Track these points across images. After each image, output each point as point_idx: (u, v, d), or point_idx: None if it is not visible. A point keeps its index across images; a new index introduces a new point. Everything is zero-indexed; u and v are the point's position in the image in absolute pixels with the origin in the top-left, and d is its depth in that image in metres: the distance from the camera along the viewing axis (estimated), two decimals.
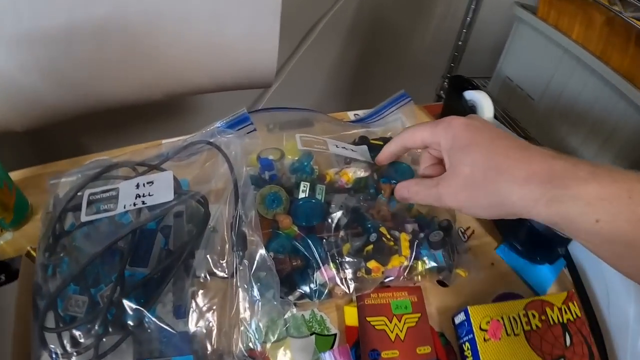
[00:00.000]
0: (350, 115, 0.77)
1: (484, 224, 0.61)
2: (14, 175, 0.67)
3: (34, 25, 0.62)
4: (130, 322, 0.41)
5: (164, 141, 0.70)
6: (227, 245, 0.45)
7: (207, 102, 1.09)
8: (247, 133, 0.54)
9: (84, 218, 0.47)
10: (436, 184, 0.42)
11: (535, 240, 0.55)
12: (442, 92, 1.09)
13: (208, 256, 0.45)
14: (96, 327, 0.41)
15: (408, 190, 0.45)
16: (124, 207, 0.46)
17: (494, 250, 0.58)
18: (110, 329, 0.41)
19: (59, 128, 0.82)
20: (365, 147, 0.60)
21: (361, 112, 0.77)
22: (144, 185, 0.48)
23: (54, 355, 0.41)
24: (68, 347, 0.41)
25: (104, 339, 0.41)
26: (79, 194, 0.50)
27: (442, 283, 0.52)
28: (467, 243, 0.58)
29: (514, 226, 0.57)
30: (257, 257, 0.45)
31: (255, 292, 0.44)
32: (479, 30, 1.05)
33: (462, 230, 0.59)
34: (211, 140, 0.51)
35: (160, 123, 1.13)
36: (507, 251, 0.58)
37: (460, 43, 1.03)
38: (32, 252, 0.53)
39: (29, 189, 0.64)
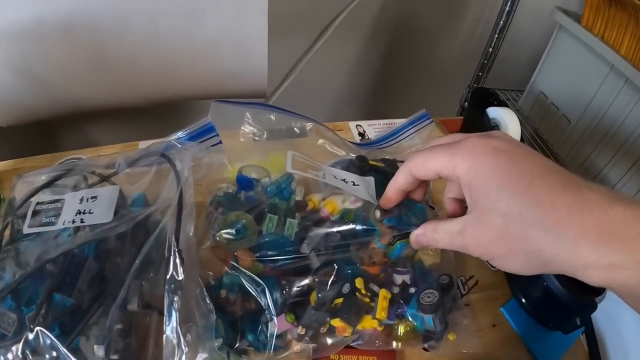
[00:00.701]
0: (352, 126, 0.68)
1: (492, 276, 0.51)
2: None
3: (1, 18, 0.58)
4: (48, 353, 0.36)
5: (140, 143, 0.63)
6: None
7: (206, 103, 1.01)
8: (212, 145, 0.46)
9: (26, 230, 0.43)
10: (461, 232, 0.33)
11: (551, 303, 0.45)
12: (466, 103, 0.98)
13: (141, 287, 0.39)
14: (19, 353, 0.37)
15: (426, 238, 0.37)
16: (63, 224, 0.42)
17: (498, 308, 0.48)
18: (30, 358, 0.37)
19: (54, 119, 0.78)
20: (372, 179, 0.48)
21: (365, 124, 0.68)
22: (87, 200, 0.44)
23: None
24: None
25: None
26: (30, 200, 0.46)
27: (425, 349, 0.43)
28: (466, 296, 0.48)
29: (527, 280, 0.48)
30: (193, 301, 0.37)
31: (184, 339, 0.36)
32: (514, 37, 0.94)
33: (464, 280, 0.50)
34: (166, 153, 0.44)
35: (153, 122, 1.07)
36: (514, 310, 0.48)
37: (490, 49, 0.91)
38: None
39: (4, 183, 0.61)
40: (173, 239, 0.38)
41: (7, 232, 0.45)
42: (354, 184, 0.47)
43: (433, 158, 0.35)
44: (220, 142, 0.46)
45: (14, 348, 0.37)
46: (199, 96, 0.74)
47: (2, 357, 0.37)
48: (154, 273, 0.40)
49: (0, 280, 0.41)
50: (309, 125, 0.57)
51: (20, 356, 0.37)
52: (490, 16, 1.07)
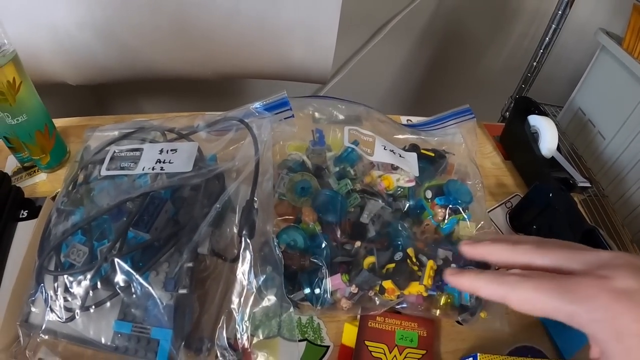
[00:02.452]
0: (403, 120, 0.71)
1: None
2: (61, 122, 0.68)
3: None
4: (119, 282, 0.40)
5: (207, 113, 0.67)
6: (235, 229, 0.42)
7: (266, 85, 1.06)
8: (285, 118, 0.50)
9: (103, 172, 0.47)
10: None
11: None
12: (507, 113, 1.00)
13: (212, 235, 0.42)
14: (87, 280, 0.40)
15: None
16: (143, 169, 0.45)
17: None
18: (99, 285, 0.40)
19: (113, 86, 0.82)
20: (414, 154, 0.53)
21: (415, 119, 0.71)
22: (167, 152, 0.47)
23: (44, 295, 0.41)
24: (59, 292, 0.41)
25: (90, 293, 0.40)
26: (106, 148, 0.50)
27: (459, 322, 0.46)
28: None
29: None
30: (265, 249, 0.41)
31: (254, 284, 0.40)
32: (558, 54, 0.96)
33: (497, 267, 0.53)
34: (244, 119, 0.48)
35: (214, 99, 1.12)
36: None
37: (535, 63, 0.93)
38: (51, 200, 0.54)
39: (71, 137, 0.66)
40: (251, 190, 0.42)
41: (81, 176, 0.48)
42: (400, 156, 0.52)
43: (540, 298, 0.30)
44: (293, 116, 0.50)
45: (83, 277, 0.40)
46: (264, 75, 0.77)
47: (71, 283, 0.41)
48: (224, 224, 0.43)
49: (73, 216, 0.44)
50: (366, 111, 0.60)
51: (90, 284, 0.40)
52: (537, 32, 1.09)
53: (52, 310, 0.41)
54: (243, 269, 0.40)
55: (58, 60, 0.72)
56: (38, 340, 0.41)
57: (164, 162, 0.46)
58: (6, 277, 0.46)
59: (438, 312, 0.44)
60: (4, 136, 0.59)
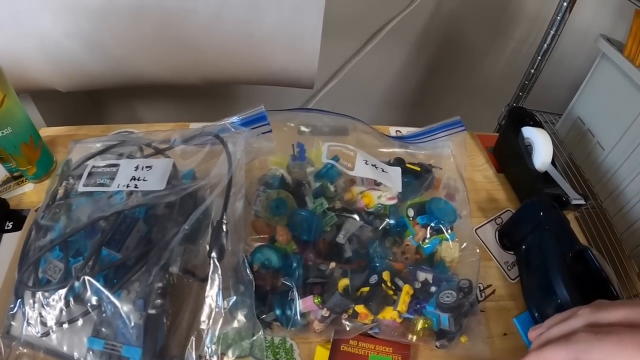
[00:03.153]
0: (392, 131, 0.70)
1: (509, 287, 0.53)
2: (49, 131, 0.69)
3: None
4: (90, 300, 0.40)
5: (191, 124, 0.67)
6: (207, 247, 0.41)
7: (258, 90, 1.05)
8: (262, 133, 0.49)
9: (81, 188, 0.47)
10: None
11: None
12: (504, 121, 0.98)
13: (184, 253, 0.42)
14: (61, 297, 0.41)
15: None
16: (118, 186, 0.45)
17: (511, 319, 0.50)
18: (72, 302, 0.41)
19: (105, 92, 0.82)
20: (399, 169, 0.52)
21: (404, 130, 0.70)
22: (142, 168, 0.47)
23: (22, 309, 0.42)
24: (36, 307, 0.42)
25: (64, 310, 0.41)
26: (85, 164, 0.51)
27: (440, 346, 0.45)
28: (482, 303, 0.50)
29: (541, 298, 0.49)
30: (237, 269, 0.41)
31: (222, 306, 0.39)
32: (558, 61, 0.93)
33: (481, 288, 0.51)
34: (220, 135, 0.47)
35: (207, 103, 1.11)
36: (527, 323, 0.49)
37: (532, 70, 0.91)
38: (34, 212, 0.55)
39: (58, 147, 0.66)
40: (221, 210, 0.41)
41: (61, 191, 0.49)
42: (383, 171, 0.51)
43: (624, 353, 0.29)
44: (270, 131, 0.49)
45: (57, 294, 0.41)
46: (251, 81, 0.77)
47: (46, 299, 0.41)
48: (198, 243, 0.43)
49: (51, 231, 0.45)
50: (351, 123, 0.59)
51: (63, 301, 0.40)
52: (536, 38, 1.06)
53: (29, 324, 0.41)
54: (212, 292, 0.40)
55: (47, 69, 0.72)
56: (17, 353, 0.42)
57: (138, 180, 0.45)
58: None
59: (415, 337, 0.42)
60: None
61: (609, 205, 0.76)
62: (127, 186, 0.45)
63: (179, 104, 1.09)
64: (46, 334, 0.41)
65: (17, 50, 0.67)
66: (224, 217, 0.41)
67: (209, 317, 0.40)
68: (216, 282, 0.40)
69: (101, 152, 0.51)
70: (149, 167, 0.46)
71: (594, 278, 0.48)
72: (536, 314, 0.49)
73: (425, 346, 0.44)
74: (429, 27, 1.06)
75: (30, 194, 0.60)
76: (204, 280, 0.41)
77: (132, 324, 0.40)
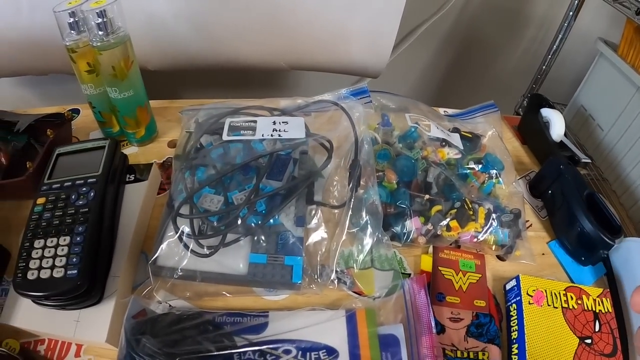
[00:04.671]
0: (440, 111, 0.88)
1: (542, 222, 0.71)
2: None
3: None
4: (253, 222, 0.52)
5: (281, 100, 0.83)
6: (345, 182, 0.57)
7: (313, 77, 1.20)
8: (365, 103, 0.66)
9: (225, 137, 0.58)
10: None
11: (583, 242, 0.64)
12: (520, 109, 1.18)
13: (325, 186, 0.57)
14: (227, 221, 0.52)
15: None
16: (262, 135, 0.58)
17: (546, 244, 0.68)
18: (239, 224, 0.52)
19: (185, 73, 0.94)
20: (457, 135, 0.70)
21: (450, 111, 0.88)
22: (280, 123, 0.60)
23: (183, 234, 0.52)
24: (195, 232, 0.52)
25: (226, 235, 0.52)
26: (221, 120, 0.62)
27: (500, 258, 0.63)
28: (525, 232, 0.68)
29: (567, 227, 0.67)
30: (369, 198, 0.57)
31: (359, 225, 0.56)
32: (564, 58, 1.12)
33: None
34: (337, 102, 0.63)
35: (263, 89, 1.26)
36: (557, 247, 0.67)
37: (544, 67, 1.11)
38: (157, 166, 0.65)
39: (156, 117, 0.75)
40: (354, 153, 0.57)
41: (197, 143, 0.59)
42: (448, 134, 0.69)
43: None
44: (371, 101, 0.66)
45: (224, 219, 0.51)
46: (327, 69, 0.92)
47: (209, 225, 0.51)
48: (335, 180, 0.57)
49: (198, 173, 0.56)
50: (412, 102, 0.77)
51: (230, 223, 0.51)
52: (545, 37, 1.28)
53: (189, 250, 0.51)
54: (349, 213, 0.55)
55: (146, 46, 0.79)
56: (170, 282, 0.52)
57: (280, 131, 0.58)
58: (122, 231, 0.56)
59: (486, 247, 0.60)
60: (99, 111, 0.69)
61: (609, 175, 0.95)
62: (271, 135, 0.57)
63: (237, 85, 1.23)
64: (212, 253, 0.51)
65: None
66: (358, 157, 0.57)
67: (345, 235, 0.55)
68: (354, 208, 0.55)
69: (233, 113, 0.63)
70: (286, 122, 0.60)
71: (600, 215, 0.65)
72: (564, 240, 0.67)
73: (491, 257, 0.62)
74: (455, 29, 1.26)
75: (134, 156, 0.70)
76: (341, 207, 0.56)
77: (294, 237, 0.54)
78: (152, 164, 0.64)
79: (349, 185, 0.57)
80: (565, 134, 0.82)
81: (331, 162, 0.59)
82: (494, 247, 0.61)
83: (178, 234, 0.53)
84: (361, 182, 0.57)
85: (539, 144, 0.85)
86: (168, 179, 0.67)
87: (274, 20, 0.80)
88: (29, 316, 0.54)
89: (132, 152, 0.71)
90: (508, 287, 0.60)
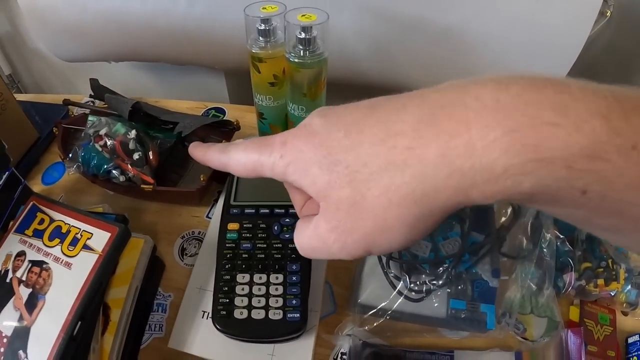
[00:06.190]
0: None
1: None
2: (240, 108, 0.83)
3: (387, 2, 0.71)
4: (463, 271, 0.58)
5: None
6: (521, 234, 0.64)
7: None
8: None
9: None
10: (317, 236, 0.33)
11: None
12: None
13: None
14: (440, 270, 0.57)
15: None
16: None
17: None
18: (451, 275, 0.57)
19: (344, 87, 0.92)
20: None
21: None
22: None
23: (390, 273, 0.58)
24: (411, 277, 0.58)
25: (431, 281, 0.58)
26: None
27: (623, 313, 0.71)
28: None
29: None
30: (548, 250, 0.63)
31: (536, 276, 0.62)
32: None
33: None
34: None
35: None
36: None
37: None
38: None
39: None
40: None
41: None
42: None
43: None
44: None
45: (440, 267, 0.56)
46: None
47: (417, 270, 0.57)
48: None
49: None
50: None
51: (441, 272, 0.57)
52: None
53: (404, 294, 0.56)
54: (525, 267, 0.62)
55: None
56: (380, 321, 0.56)
57: None
58: (315, 262, 0.58)
59: (617, 303, 0.69)
60: (269, 123, 0.68)
61: None
62: None
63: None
64: (421, 298, 0.57)
65: None
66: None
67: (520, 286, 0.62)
68: (529, 261, 0.62)
69: None
70: None
71: None
72: None
73: (618, 311, 0.71)
74: None
75: None
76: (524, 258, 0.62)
77: (489, 287, 0.59)
78: None
79: (530, 238, 0.62)
80: None
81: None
82: (624, 305, 0.69)
83: (390, 276, 0.58)
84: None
85: None
86: None
87: (457, 57, 0.80)
88: (210, 345, 0.54)
89: None
90: (630, 340, 0.69)
